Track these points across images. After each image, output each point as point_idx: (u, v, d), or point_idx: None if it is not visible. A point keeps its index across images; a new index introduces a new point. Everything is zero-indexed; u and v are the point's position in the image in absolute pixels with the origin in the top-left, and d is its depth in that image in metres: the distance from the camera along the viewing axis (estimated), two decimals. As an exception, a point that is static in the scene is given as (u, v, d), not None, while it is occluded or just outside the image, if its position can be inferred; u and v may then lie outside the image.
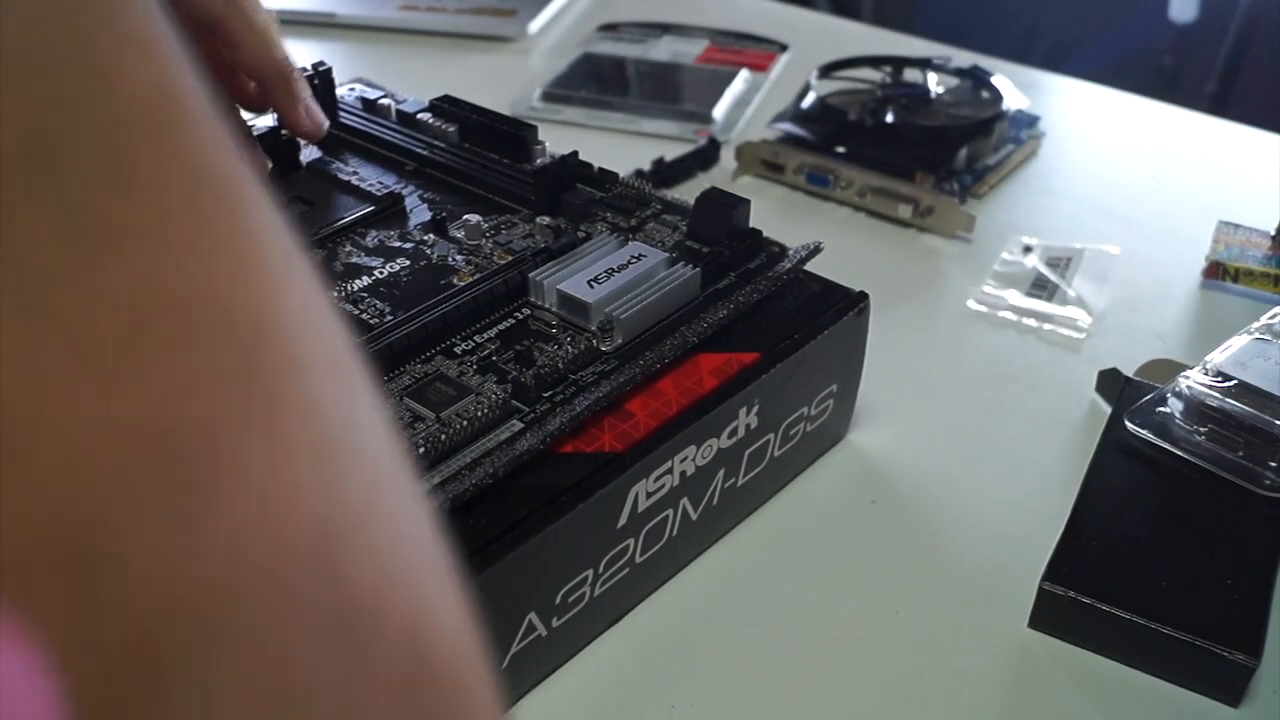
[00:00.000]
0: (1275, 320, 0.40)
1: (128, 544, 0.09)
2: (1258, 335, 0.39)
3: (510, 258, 0.36)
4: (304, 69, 0.44)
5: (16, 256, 0.09)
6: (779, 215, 0.53)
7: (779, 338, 0.34)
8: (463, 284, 0.34)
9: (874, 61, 0.61)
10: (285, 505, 0.10)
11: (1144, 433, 0.37)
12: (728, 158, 0.57)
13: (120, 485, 0.09)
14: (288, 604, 0.10)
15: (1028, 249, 0.50)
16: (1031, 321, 0.46)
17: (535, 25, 0.73)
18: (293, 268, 0.12)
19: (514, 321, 0.33)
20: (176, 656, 0.09)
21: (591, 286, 0.33)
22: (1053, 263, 0.49)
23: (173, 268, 0.10)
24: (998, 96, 0.57)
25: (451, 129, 0.41)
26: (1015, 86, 0.59)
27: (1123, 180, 0.57)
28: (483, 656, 0.13)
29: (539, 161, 0.39)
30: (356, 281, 0.35)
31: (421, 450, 0.28)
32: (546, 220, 0.38)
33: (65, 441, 0.09)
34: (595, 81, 0.65)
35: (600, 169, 0.40)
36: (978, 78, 0.59)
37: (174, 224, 0.10)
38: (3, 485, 0.09)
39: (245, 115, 0.42)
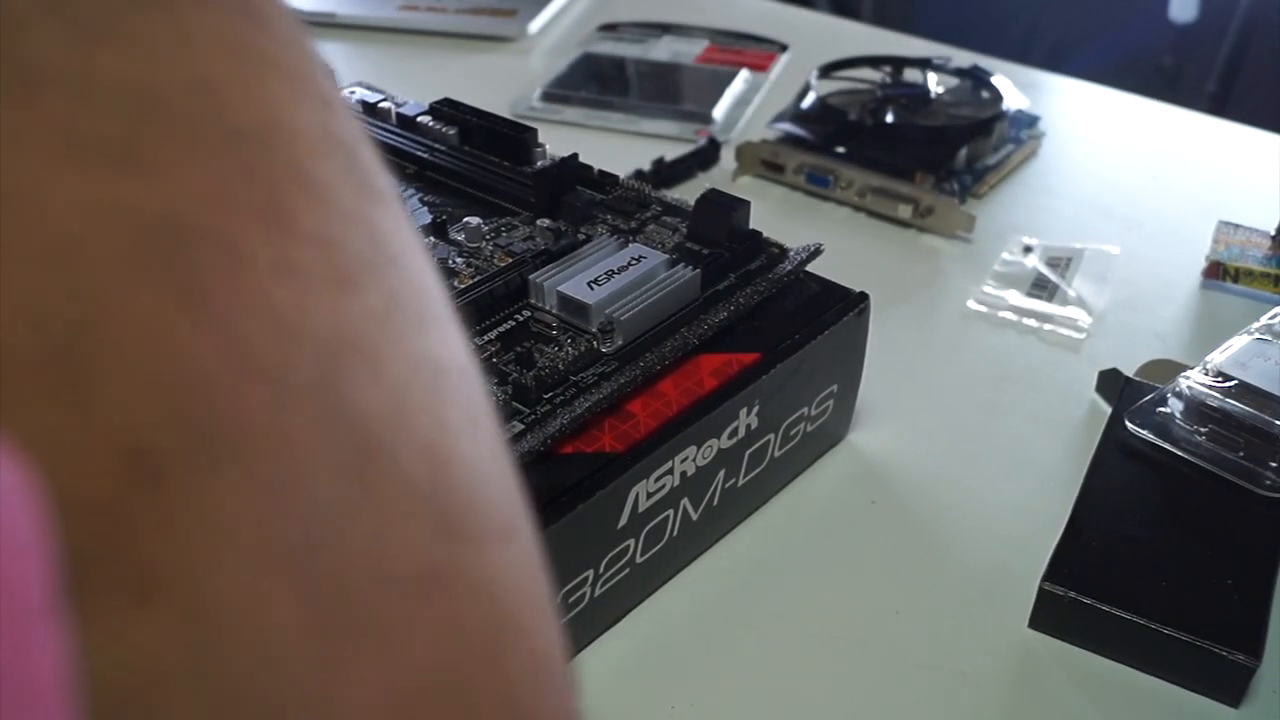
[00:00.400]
0: (1275, 320, 0.40)
1: (118, 336, 0.09)
2: (1258, 335, 0.39)
3: (510, 260, 0.36)
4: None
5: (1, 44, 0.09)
6: (779, 215, 0.53)
7: (779, 338, 0.34)
8: (463, 286, 0.34)
9: (874, 61, 0.61)
10: (287, 317, 0.10)
11: (1144, 433, 0.37)
12: (728, 158, 0.57)
13: (111, 275, 0.09)
14: (291, 419, 0.09)
15: (1028, 249, 0.50)
16: (1031, 321, 0.46)
17: (535, 25, 0.73)
18: (310, 82, 0.11)
19: (514, 323, 0.33)
20: (172, 460, 0.09)
21: (592, 288, 0.33)
22: (1053, 263, 0.49)
23: (174, 66, 0.10)
24: (998, 96, 0.57)
25: (451, 132, 0.41)
26: (1015, 86, 0.59)
27: (1123, 180, 0.57)
28: (517, 489, 0.12)
29: (539, 164, 0.39)
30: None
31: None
32: (546, 222, 0.38)
33: (52, 229, 0.08)
34: (595, 81, 0.65)
35: (600, 171, 0.40)
36: (978, 78, 0.59)
37: (177, 18, 0.10)
38: None
39: None
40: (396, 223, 0.12)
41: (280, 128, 0.10)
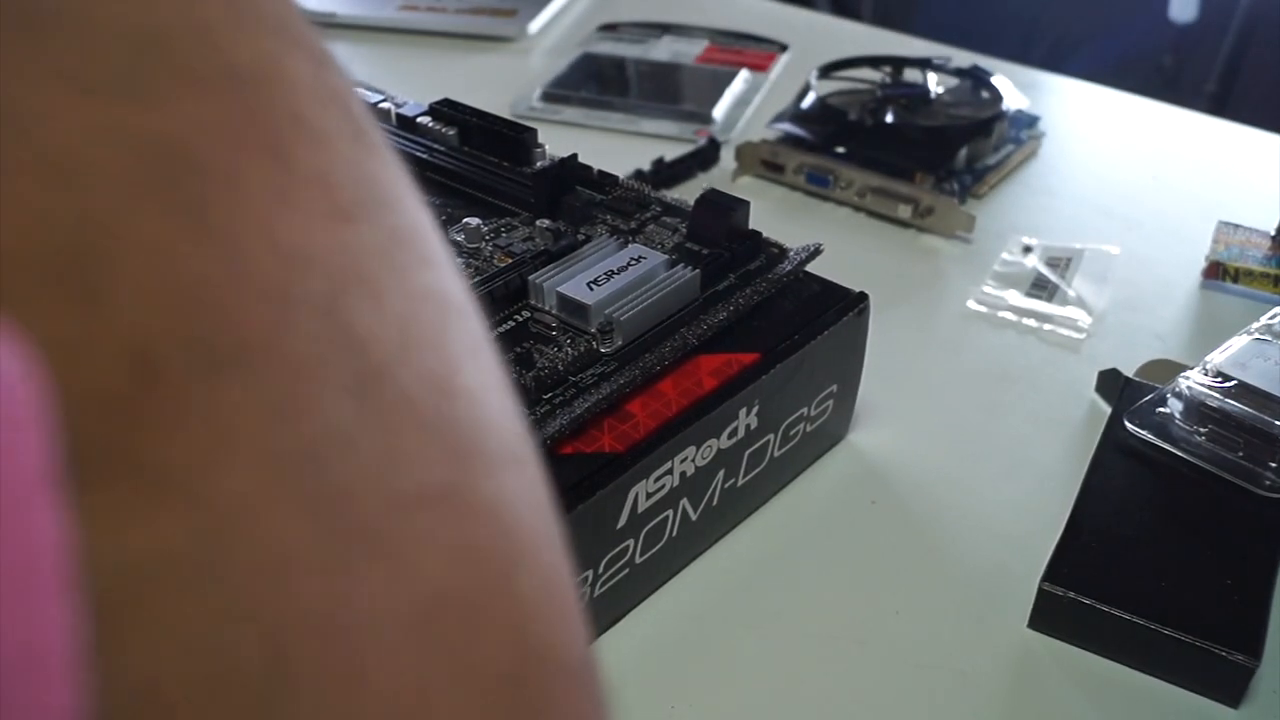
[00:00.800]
0: (1275, 320, 0.40)
1: (124, 246, 0.09)
2: (1258, 335, 0.39)
3: (510, 260, 0.36)
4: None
5: None
6: (779, 215, 0.53)
7: (779, 338, 0.34)
8: (463, 285, 0.34)
9: (874, 61, 0.61)
10: (290, 243, 0.10)
11: (1144, 433, 0.37)
12: (728, 158, 0.57)
13: (117, 191, 0.09)
14: (294, 338, 0.10)
15: (1028, 249, 0.50)
16: (1031, 321, 0.46)
17: (535, 25, 0.73)
18: (302, 37, 0.12)
19: (514, 324, 0.33)
20: (176, 363, 0.09)
21: (591, 289, 0.33)
22: (1053, 263, 0.49)
23: (174, 12, 0.10)
24: (998, 96, 0.57)
25: (451, 132, 0.41)
26: (1015, 86, 0.59)
27: (1123, 180, 0.57)
28: (521, 422, 0.12)
29: (539, 164, 0.39)
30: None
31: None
32: (546, 223, 0.38)
33: (58, 147, 0.09)
34: (595, 81, 0.65)
35: (600, 171, 0.40)
36: (978, 78, 0.59)
37: None
38: None
39: None
40: (390, 169, 0.12)
41: (278, 74, 0.11)
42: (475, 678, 0.10)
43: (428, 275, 0.12)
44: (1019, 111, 0.58)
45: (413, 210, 0.12)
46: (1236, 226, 0.51)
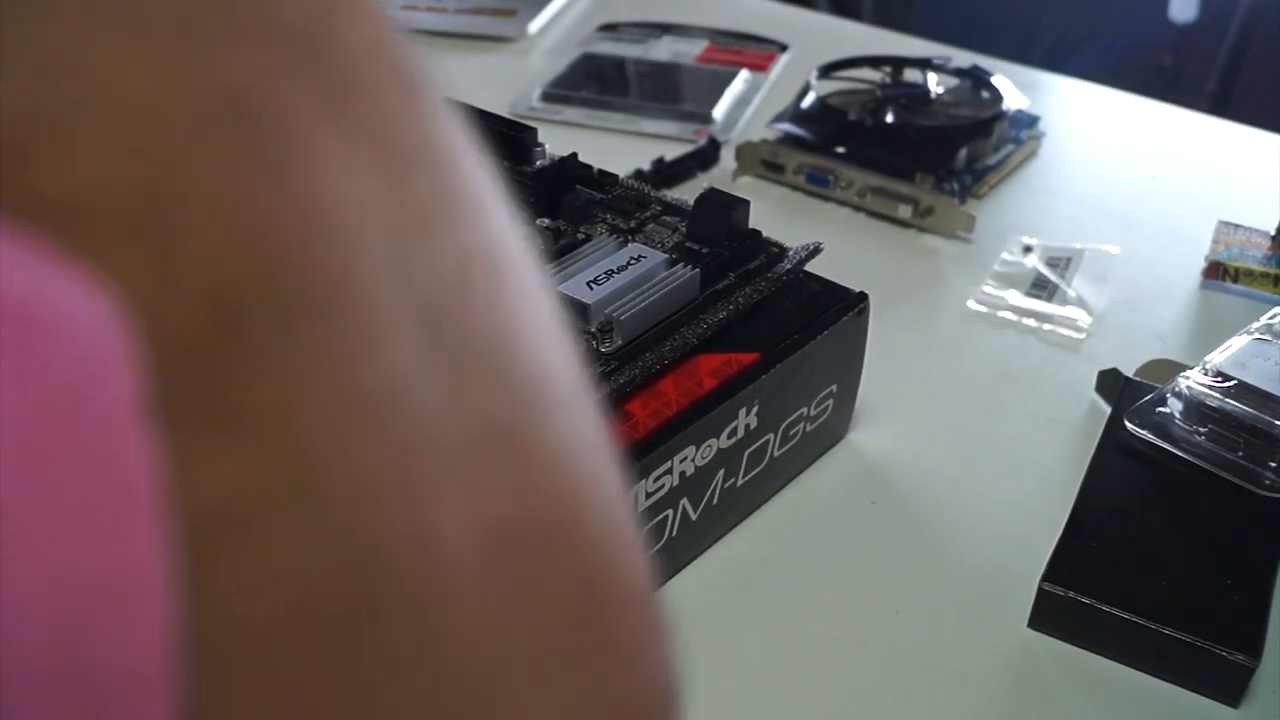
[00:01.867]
0: (1275, 320, 0.40)
1: (197, 195, 0.09)
2: (1258, 335, 0.39)
3: (510, 259, 0.36)
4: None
5: None
6: (779, 215, 0.53)
7: (779, 338, 0.34)
8: (463, 285, 0.34)
9: (874, 61, 0.61)
10: (351, 194, 0.10)
11: (1144, 433, 0.37)
12: (728, 158, 0.57)
13: (186, 140, 0.09)
14: (365, 283, 0.10)
15: (1028, 249, 0.50)
16: (1031, 321, 0.46)
17: (535, 25, 0.73)
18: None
19: (514, 322, 0.33)
20: (254, 307, 0.09)
21: (591, 288, 0.33)
22: (1053, 263, 0.49)
23: None
24: (998, 96, 0.57)
25: (451, 130, 0.41)
26: (1015, 86, 0.59)
27: (1123, 180, 0.57)
28: (579, 370, 0.13)
29: (538, 163, 0.39)
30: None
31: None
32: (546, 222, 0.38)
33: (125, 96, 0.09)
34: (595, 81, 0.65)
35: (600, 170, 0.40)
36: (978, 78, 0.59)
37: None
38: (73, 138, 0.08)
39: None
40: (443, 122, 0.12)
41: (329, 29, 0.11)
42: (547, 602, 0.11)
43: (481, 226, 0.12)
44: (1019, 111, 0.58)
45: (465, 161, 0.12)
46: (1236, 226, 0.51)
